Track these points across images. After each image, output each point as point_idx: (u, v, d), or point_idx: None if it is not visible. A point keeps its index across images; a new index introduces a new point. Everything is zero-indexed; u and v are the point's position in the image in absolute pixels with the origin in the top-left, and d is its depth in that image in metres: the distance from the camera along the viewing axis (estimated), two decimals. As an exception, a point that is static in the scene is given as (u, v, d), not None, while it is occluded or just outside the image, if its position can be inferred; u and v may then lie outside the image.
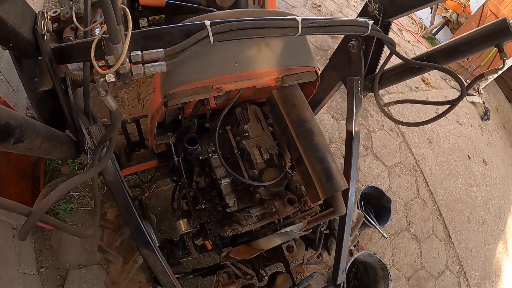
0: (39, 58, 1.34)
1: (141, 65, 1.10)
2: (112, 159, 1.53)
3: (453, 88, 6.90)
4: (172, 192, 2.22)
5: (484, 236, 5.11)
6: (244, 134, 1.80)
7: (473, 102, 7.22)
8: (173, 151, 1.88)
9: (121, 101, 3.04)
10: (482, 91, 7.40)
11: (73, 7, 1.64)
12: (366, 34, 1.63)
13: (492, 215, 5.50)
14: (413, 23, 8.25)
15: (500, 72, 1.62)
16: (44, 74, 1.41)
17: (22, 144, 1.04)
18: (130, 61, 1.09)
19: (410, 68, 1.87)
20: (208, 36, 1.21)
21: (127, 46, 0.98)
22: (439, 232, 4.59)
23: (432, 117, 1.84)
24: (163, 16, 2.76)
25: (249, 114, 1.85)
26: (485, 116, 7.03)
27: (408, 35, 7.62)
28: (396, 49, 1.79)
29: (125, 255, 1.79)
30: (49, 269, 2.66)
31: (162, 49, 1.15)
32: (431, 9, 8.13)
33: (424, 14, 8.46)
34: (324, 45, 5.24)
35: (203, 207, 1.77)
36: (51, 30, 1.31)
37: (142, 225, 1.61)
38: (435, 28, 8.03)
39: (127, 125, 2.51)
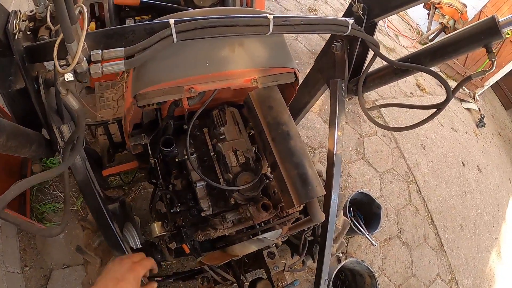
0: (14, 56, 1.30)
1: (100, 64, 1.08)
2: (83, 159, 1.50)
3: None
4: (151, 195, 2.18)
5: (477, 244, 5.06)
6: (221, 137, 1.75)
7: (468, 109, 7.20)
8: (150, 152, 1.83)
9: (106, 102, 2.99)
10: (478, 98, 7.39)
11: (49, 6, 1.61)
12: (346, 34, 1.57)
13: (486, 223, 5.45)
14: (409, 29, 8.25)
15: (488, 73, 1.56)
16: (19, 73, 1.38)
17: (-17, 140, 1.00)
18: (90, 61, 1.08)
19: (395, 70, 1.81)
20: (171, 34, 1.17)
21: (81, 45, 0.97)
22: (431, 240, 4.54)
23: (421, 122, 1.78)
24: (150, 16, 2.73)
25: (226, 116, 1.80)
26: (480, 123, 7.00)
27: (405, 40, 7.60)
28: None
29: (103, 256, 1.77)
30: (33, 268, 2.65)
31: (122, 48, 1.13)
32: (428, 15, 8.12)
33: (421, 20, 8.45)
34: (318, 49, 5.18)
35: (178, 210, 1.72)
36: (24, 29, 1.29)
37: (112, 226, 1.58)
38: (431, 34, 8.00)
39: (110, 125, 2.48)
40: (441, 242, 4.62)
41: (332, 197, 1.86)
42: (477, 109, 7.27)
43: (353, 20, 1.59)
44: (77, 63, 0.99)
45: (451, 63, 7.38)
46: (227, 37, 1.49)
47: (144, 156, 1.98)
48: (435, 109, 1.75)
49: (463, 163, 5.87)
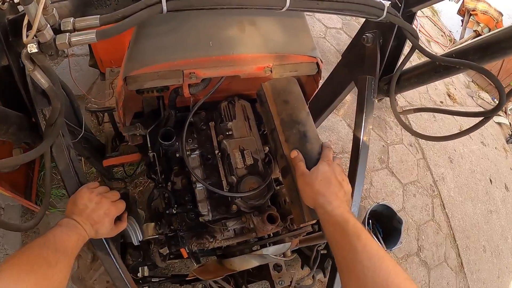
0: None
1: (67, 34, 0.91)
2: (67, 147, 1.32)
3: (480, 106, 6.53)
4: (151, 191, 2.00)
5: (498, 268, 4.72)
6: (227, 133, 1.53)
7: (499, 123, 6.81)
8: (148, 145, 1.63)
9: (116, 89, 2.85)
10: (510, 112, 6.98)
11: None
12: (380, 18, 1.32)
13: (510, 246, 5.09)
14: (442, 35, 7.89)
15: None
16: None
17: None
18: (60, 30, 0.93)
19: (435, 68, 1.53)
20: (160, 1, 0.95)
21: (41, 7, 0.81)
22: (451, 260, 4.24)
23: (466, 131, 1.52)
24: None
25: (236, 110, 1.58)
26: (511, 139, 6.61)
27: (437, 47, 7.27)
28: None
29: (95, 251, 1.59)
30: (33, 253, 2.55)
31: (97, 16, 0.95)
32: (462, 22, 7.76)
33: (454, 26, 8.08)
34: (346, 49, 4.96)
35: (175, 211, 1.52)
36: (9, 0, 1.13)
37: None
38: (465, 42, 7.63)
39: (116, 113, 2.33)
40: (461, 263, 4.32)
41: (352, 210, 1.62)
42: (508, 124, 6.88)
43: (389, 3, 1.34)
44: (38, 30, 0.83)
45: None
46: (235, 14, 1.29)
47: (144, 149, 1.81)
48: (482, 117, 1.46)
49: (490, 180, 5.53)
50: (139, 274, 2.06)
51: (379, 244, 0.94)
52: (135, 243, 1.83)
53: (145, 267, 2.11)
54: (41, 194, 2.75)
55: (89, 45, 3.01)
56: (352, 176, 1.64)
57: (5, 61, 1.23)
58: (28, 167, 2.69)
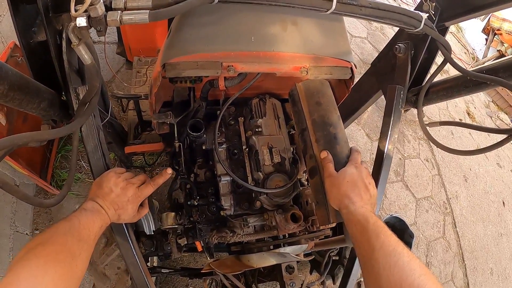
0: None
1: (119, 12, 0.92)
2: (97, 127, 1.33)
3: (498, 127, 6.44)
4: (172, 181, 2.02)
5: (504, 292, 4.66)
6: (257, 129, 1.54)
7: (516, 146, 6.74)
8: (175, 135, 1.65)
9: (142, 78, 2.89)
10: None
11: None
12: (417, 29, 1.33)
13: (517, 271, 5.03)
14: (465, 53, 7.81)
15: None
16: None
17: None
18: (111, 8, 0.94)
19: (465, 83, 1.54)
20: None
21: None
22: (458, 280, 4.19)
23: (490, 147, 1.49)
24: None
25: (266, 108, 1.60)
26: (528, 163, 6.51)
27: (459, 63, 7.15)
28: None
29: (109, 236, 1.62)
30: (44, 232, 2.58)
31: None
32: (486, 40, 7.67)
33: (478, 45, 8.00)
34: (370, 59, 4.93)
35: (196, 203, 1.54)
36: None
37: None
38: (487, 61, 7.53)
39: (141, 102, 2.34)
40: (468, 284, 4.27)
41: (373, 214, 1.63)
42: (526, 148, 6.79)
43: (427, 15, 1.36)
44: (91, 4, 0.84)
45: (504, 94, 6.93)
46: (279, 12, 1.29)
47: (169, 138, 1.82)
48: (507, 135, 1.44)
49: (503, 202, 5.45)
50: (149, 264, 2.08)
51: (399, 241, 0.98)
52: (147, 232, 1.85)
53: (155, 257, 2.14)
54: (56, 175, 2.78)
55: (119, 33, 3.04)
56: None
57: (42, 36, 1.26)
58: (46, 148, 2.72)
